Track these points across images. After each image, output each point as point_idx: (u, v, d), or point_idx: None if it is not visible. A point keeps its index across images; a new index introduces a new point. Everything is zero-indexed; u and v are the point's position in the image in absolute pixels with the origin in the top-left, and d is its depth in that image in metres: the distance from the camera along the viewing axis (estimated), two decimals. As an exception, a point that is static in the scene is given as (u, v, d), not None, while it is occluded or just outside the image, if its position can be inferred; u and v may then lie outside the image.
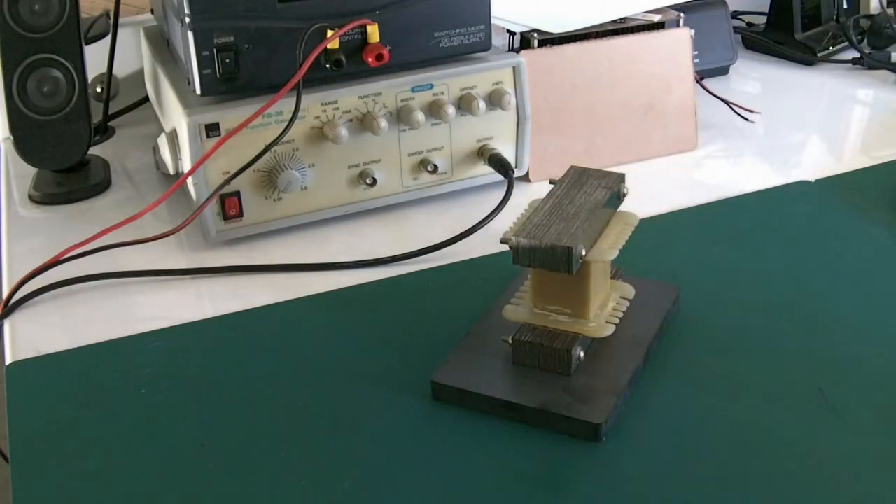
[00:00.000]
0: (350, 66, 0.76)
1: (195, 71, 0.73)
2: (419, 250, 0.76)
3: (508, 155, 0.84)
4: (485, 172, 0.85)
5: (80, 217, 0.86)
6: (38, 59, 0.84)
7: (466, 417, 0.58)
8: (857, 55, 1.16)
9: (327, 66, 0.75)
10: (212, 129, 0.74)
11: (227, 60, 0.73)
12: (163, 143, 0.80)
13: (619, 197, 0.63)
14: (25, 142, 0.87)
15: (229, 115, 0.74)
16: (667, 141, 0.93)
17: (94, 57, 0.97)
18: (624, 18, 0.91)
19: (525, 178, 0.88)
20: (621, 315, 0.61)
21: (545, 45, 0.88)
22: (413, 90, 0.79)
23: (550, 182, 0.64)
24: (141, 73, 1.04)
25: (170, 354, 0.65)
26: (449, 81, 0.80)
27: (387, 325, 0.67)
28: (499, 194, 0.81)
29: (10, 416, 0.60)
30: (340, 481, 0.53)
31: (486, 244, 0.76)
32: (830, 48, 1.19)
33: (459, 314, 0.67)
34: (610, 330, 0.59)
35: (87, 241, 0.74)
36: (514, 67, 0.82)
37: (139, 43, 1.02)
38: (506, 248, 0.58)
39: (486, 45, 0.81)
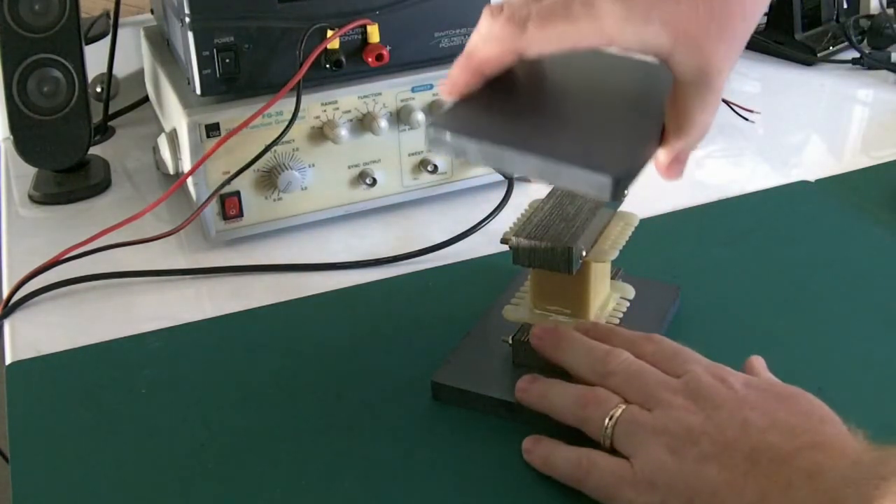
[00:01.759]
0: (350, 66, 0.76)
1: (195, 71, 0.73)
2: (419, 250, 0.76)
3: (508, 155, 0.84)
4: (485, 172, 0.85)
5: (80, 217, 0.86)
6: (38, 59, 0.84)
7: (466, 417, 0.58)
8: (857, 55, 1.16)
9: (327, 66, 0.75)
10: (212, 129, 0.74)
11: (227, 60, 0.73)
12: (163, 143, 0.80)
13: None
14: (25, 142, 0.87)
15: (229, 115, 0.74)
16: (667, 141, 0.93)
17: (94, 57, 0.97)
18: (624, 18, 0.91)
19: (525, 178, 0.88)
20: (621, 315, 0.61)
21: (545, 45, 0.87)
22: (413, 90, 0.79)
23: (550, 182, 0.64)
24: (141, 73, 1.04)
25: (170, 354, 0.65)
26: (449, 81, 0.80)
27: (387, 325, 0.67)
28: (499, 194, 0.81)
29: (10, 416, 0.60)
30: (340, 481, 0.53)
31: (486, 244, 0.76)
32: (830, 48, 1.19)
33: (459, 314, 0.67)
34: (610, 330, 0.59)
35: (87, 241, 0.74)
36: (514, 67, 0.82)
37: (139, 43, 1.02)
38: (506, 248, 0.58)
39: (486, 45, 0.81)
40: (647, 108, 0.51)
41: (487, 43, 0.47)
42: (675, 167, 0.51)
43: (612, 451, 0.50)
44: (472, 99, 0.49)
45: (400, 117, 0.79)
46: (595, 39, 0.45)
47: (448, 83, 0.50)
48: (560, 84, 0.52)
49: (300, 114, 0.75)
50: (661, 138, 0.50)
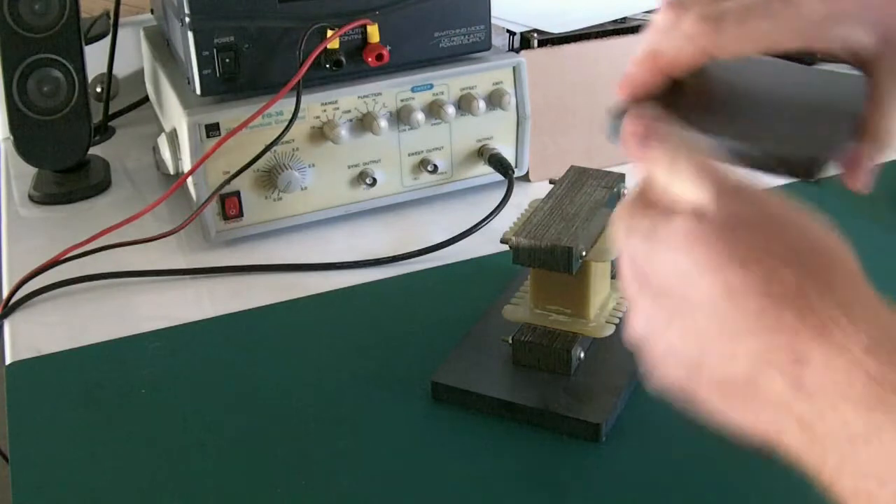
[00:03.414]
0: (350, 66, 0.76)
1: (195, 71, 0.73)
2: (419, 250, 0.76)
3: (508, 155, 0.84)
4: (485, 172, 0.85)
5: (80, 217, 0.86)
6: (38, 59, 0.84)
7: (466, 417, 0.58)
8: (857, 55, 1.15)
9: (327, 66, 0.75)
10: (212, 129, 0.74)
11: (227, 60, 0.73)
12: (163, 143, 0.80)
13: (619, 197, 0.63)
14: (25, 142, 0.87)
15: (229, 115, 0.74)
16: (667, 141, 0.93)
17: (94, 57, 0.97)
18: (624, 18, 0.91)
19: (525, 178, 0.88)
20: (621, 315, 0.61)
21: (545, 45, 0.87)
22: (413, 90, 0.79)
23: (550, 182, 0.64)
24: (141, 73, 1.04)
25: (170, 354, 0.65)
26: (449, 81, 0.80)
27: (387, 325, 0.67)
28: (499, 194, 0.81)
29: (10, 416, 0.60)
30: (340, 481, 0.53)
31: (486, 244, 0.76)
32: (830, 48, 1.19)
33: (459, 314, 0.67)
34: (610, 330, 0.59)
35: (87, 241, 0.74)
36: (514, 67, 0.82)
37: (139, 43, 1.02)
38: (506, 248, 0.58)
39: (486, 45, 0.81)
40: (835, 113, 0.48)
41: (676, 42, 0.43)
42: (859, 174, 0.46)
43: None
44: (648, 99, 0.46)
45: (400, 117, 0.79)
46: (793, 40, 0.43)
47: (627, 82, 0.47)
48: (736, 87, 0.48)
49: (300, 114, 0.75)
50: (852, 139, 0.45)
